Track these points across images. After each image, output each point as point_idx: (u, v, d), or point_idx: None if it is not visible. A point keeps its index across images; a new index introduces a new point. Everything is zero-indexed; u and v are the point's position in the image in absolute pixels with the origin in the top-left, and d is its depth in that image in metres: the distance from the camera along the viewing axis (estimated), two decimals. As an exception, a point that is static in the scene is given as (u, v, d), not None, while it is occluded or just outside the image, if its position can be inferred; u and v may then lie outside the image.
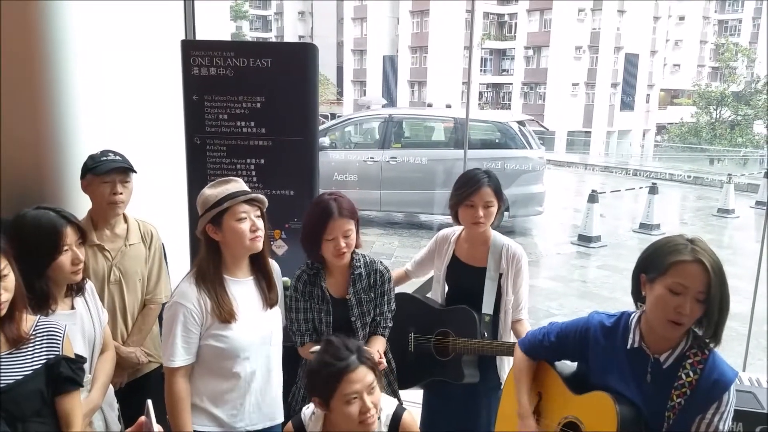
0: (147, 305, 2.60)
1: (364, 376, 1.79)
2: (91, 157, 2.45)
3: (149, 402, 1.00)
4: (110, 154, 2.47)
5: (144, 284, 2.58)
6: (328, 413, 1.85)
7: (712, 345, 1.73)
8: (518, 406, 2.02)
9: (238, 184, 2.06)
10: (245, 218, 2.02)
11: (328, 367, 1.79)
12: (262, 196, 2.09)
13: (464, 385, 2.58)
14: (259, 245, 2.07)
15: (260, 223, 2.06)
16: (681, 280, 1.65)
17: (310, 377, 1.86)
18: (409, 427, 1.93)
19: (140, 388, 2.54)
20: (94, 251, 2.44)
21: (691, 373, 1.72)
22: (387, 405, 1.95)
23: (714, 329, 1.69)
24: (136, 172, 2.49)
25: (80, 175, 2.46)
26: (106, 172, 2.41)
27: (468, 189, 2.51)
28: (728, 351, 1.83)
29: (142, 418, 1.00)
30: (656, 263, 1.72)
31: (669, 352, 1.76)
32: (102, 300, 2.41)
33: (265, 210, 2.11)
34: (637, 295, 1.81)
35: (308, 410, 1.95)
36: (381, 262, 2.45)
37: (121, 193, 2.45)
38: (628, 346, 1.81)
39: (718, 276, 1.64)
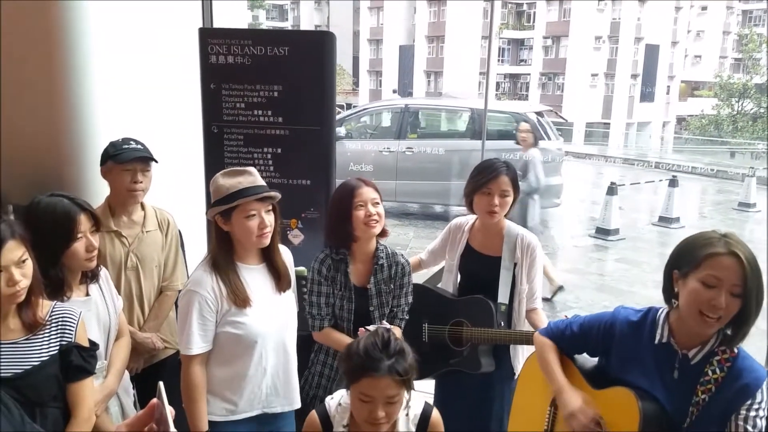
0: (163, 292, 2.61)
1: (385, 387, 1.68)
2: (113, 144, 2.45)
3: (161, 384, 1.00)
4: (132, 142, 2.46)
5: (160, 271, 2.59)
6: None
7: (736, 342, 1.69)
8: (554, 383, 1.94)
9: (252, 177, 2.04)
10: (254, 216, 2.01)
11: (356, 359, 1.71)
12: (274, 193, 2.06)
13: (478, 374, 2.58)
14: (266, 242, 2.07)
15: (270, 219, 2.05)
16: (715, 272, 1.61)
17: (345, 355, 1.78)
18: (437, 427, 1.90)
19: (155, 373, 2.55)
20: (111, 237, 2.45)
21: (717, 370, 1.68)
22: (415, 402, 1.89)
23: (741, 327, 1.65)
24: (157, 161, 2.49)
25: (100, 162, 2.46)
26: (128, 161, 2.40)
27: (486, 176, 2.50)
28: (749, 347, 1.78)
29: (154, 400, 1.00)
30: (689, 257, 1.68)
31: (698, 348, 1.72)
32: (119, 286, 2.43)
33: (277, 203, 2.09)
34: (669, 293, 1.77)
35: (333, 401, 1.91)
36: (402, 255, 2.46)
37: (141, 182, 2.45)
38: (656, 341, 1.77)
39: (754, 269, 1.60)
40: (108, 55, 2.69)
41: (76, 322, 1.80)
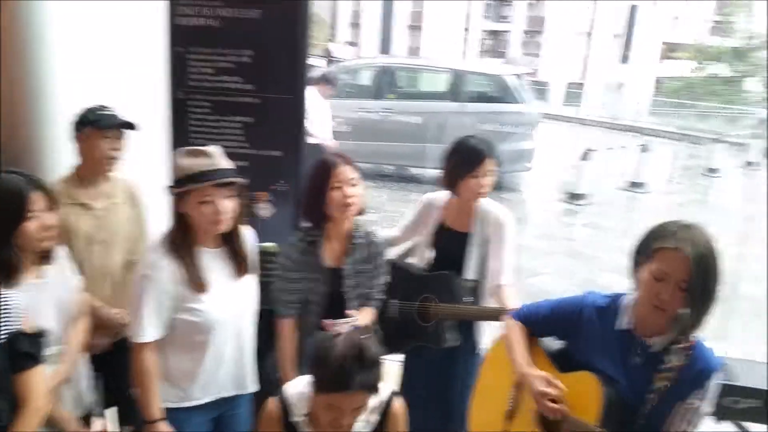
0: (131, 265, 2.53)
1: (355, 400, 1.64)
2: (91, 111, 2.36)
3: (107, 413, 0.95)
4: (106, 108, 2.39)
5: (128, 244, 2.53)
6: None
7: (695, 332, 1.74)
8: (516, 365, 1.98)
9: (210, 160, 1.93)
10: (209, 202, 1.91)
11: (329, 371, 1.61)
12: (234, 180, 1.96)
13: (443, 348, 2.60)
14: (222, 228, 1.97)
15: (227, 204, 1.94)
16: (663, 266, 1.67)
17: (316, 361, 1.66)
18: (397, 414, 1.87)
19: (124, 349, 2.51)
20: (78, 210, 2.37)
21: (678, 359, 1.73)
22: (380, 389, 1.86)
23: (697, 318, 1.69)
24: (136, 128, 2.41)
25: (76, 128, 2.37)
26: (109, 127, 2.33)
27: (473, 165, 2.50)
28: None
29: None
30: (646, 247, 1.74)
31: (660, 337, 1.77)
32: (86, 260, 2.36)
33: (240, 185, 1.99)
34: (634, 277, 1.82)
35: (293, 388, 1.85)
36: (377, 234, 2.41)
37: (119, 149, 2.39)
38: (616, 328, 1.83)
39: (702, 266, 1.63)
40: (67, 14, 2.55)
41: (19, 311, 1.72)
